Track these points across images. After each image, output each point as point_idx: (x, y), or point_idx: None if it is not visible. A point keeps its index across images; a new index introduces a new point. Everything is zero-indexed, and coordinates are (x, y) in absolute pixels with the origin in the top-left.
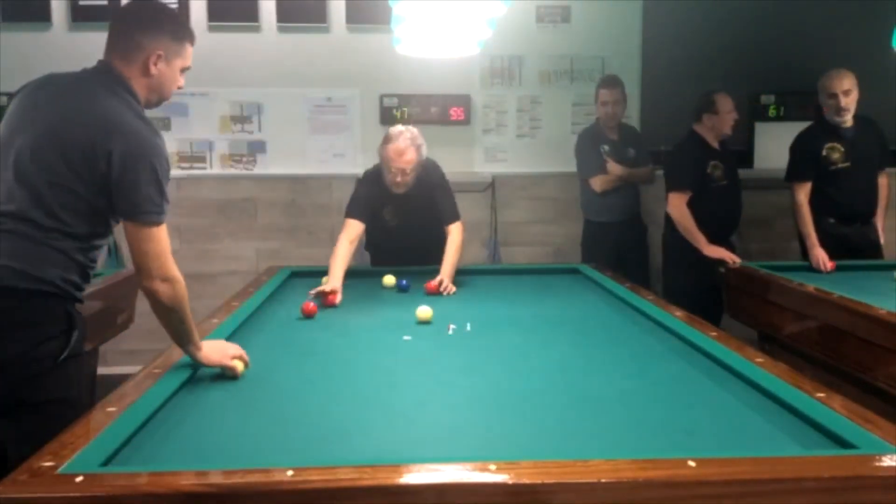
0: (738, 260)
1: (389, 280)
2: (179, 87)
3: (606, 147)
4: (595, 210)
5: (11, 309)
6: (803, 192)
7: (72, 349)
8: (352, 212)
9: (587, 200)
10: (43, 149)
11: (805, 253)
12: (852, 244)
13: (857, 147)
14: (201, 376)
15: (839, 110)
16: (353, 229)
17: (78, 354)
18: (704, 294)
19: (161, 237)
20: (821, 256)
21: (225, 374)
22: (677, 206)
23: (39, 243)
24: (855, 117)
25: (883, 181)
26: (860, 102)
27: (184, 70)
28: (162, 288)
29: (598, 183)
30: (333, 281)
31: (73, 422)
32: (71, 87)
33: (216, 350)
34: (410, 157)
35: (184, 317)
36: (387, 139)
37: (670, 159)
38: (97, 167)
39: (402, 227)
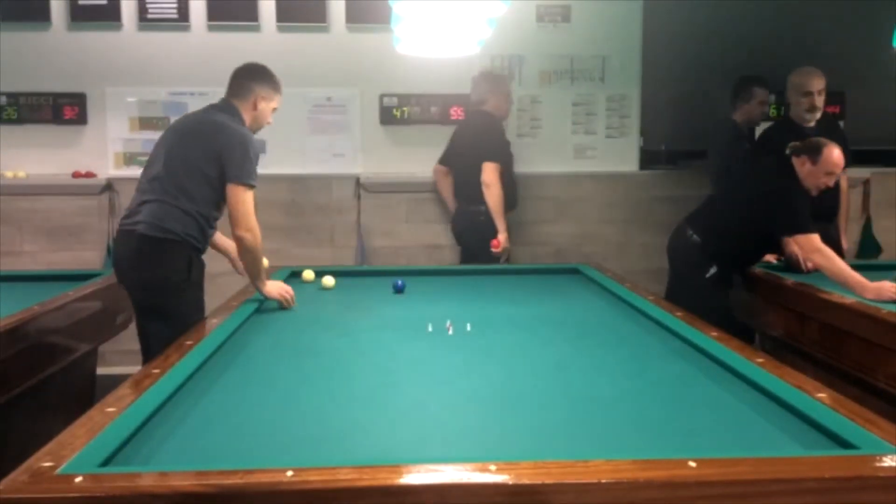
0: None
1: (327, 281)
2: (269, 123)
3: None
4: None
5: (146, 250)
6: None
7: (191, 280)
8: None
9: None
10: (185, 146)
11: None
12: None
13: None
14: (201, 376)
15: (812, 109)
16: None
17: (197, 284)
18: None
19: (249, 198)
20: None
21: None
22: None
23: (170, 206)
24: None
25: (843, 184)
26: (861, 102)
27: (273, 110)
28: (246, 236)
29: None
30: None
31: (181, 329)
32: (204, 113)
33: (276, 287)
34: None
35: (258, 258)
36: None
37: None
38: (215, 151)
39: None
